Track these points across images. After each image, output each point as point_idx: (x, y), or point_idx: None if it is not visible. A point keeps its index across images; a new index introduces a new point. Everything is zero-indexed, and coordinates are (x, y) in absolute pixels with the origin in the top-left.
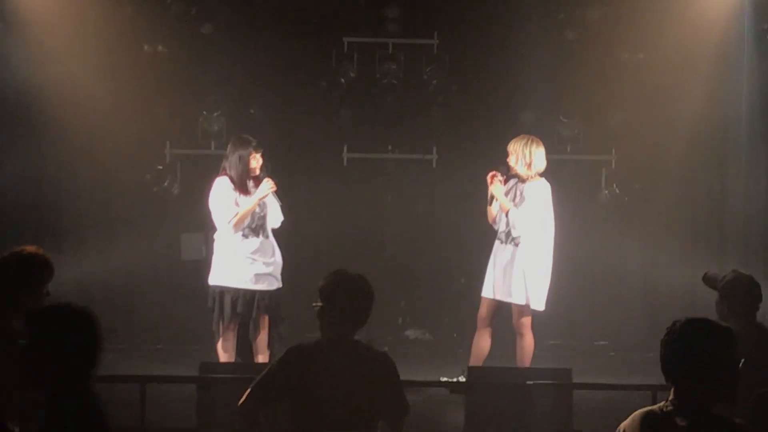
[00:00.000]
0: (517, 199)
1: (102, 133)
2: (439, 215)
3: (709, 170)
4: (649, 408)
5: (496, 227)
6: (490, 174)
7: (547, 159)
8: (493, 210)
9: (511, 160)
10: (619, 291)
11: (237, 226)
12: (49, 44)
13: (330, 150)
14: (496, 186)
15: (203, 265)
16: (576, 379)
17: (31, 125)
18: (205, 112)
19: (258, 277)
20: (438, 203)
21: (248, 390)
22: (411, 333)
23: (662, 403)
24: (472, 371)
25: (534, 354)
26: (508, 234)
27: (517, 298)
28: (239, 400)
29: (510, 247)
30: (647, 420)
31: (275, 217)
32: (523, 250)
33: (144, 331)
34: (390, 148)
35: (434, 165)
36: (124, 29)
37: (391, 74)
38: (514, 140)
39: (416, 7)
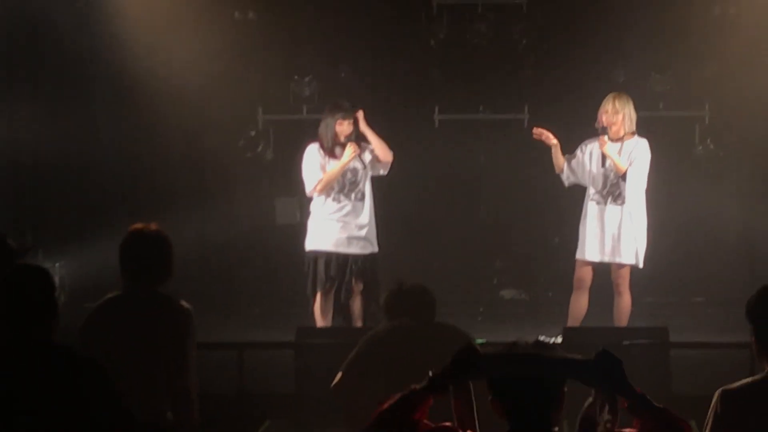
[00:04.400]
0: (623, 160)
1: (195, 100)
2: (531, 174)
3: None
4: (749, 379)
5: (567, 181)
6: (602, 146)
7: (640, 116)
8: (561, 162)
9: (616, 119)
10: (716, 247)
11: (322, 192)
12: (142, 15)
13: (421, 112)
14: (609, 146)
15: (298, 229)
16: (673, 338)
17: (126, 94)
18: (296, 77)
19: (350, 240)
20: (530, 162)
21: (340, 372)
22: (506, 293)
23: (759, 375)
24: (567, 332)
25: (630, 312)
26: (607, 195)
27: (627, 258)
28: (337, 364)
29: (614, 207)
30: (748, 390)
31: (377, 168)
32: (630, 209)
33: (241, 296)
34: (481, 108)
35: (526, 124)
36: None
37: (481, 34)
38: (617, 99)
39: None
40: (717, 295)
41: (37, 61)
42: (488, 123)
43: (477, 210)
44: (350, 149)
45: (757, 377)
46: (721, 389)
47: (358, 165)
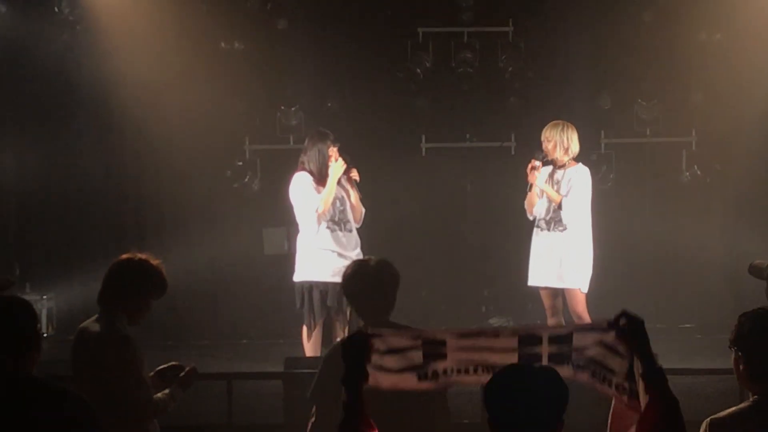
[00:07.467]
0: (563, 187)
1: (181, 131)
2: (518, 202)
3: None
4: (736, 408)
5: (531, 216)
6: (530, 166)
7: (628, 143)
8: (535, 199)
9: (548, 147)
10: (702, 273)
11: (324, 213)
12: (128, 45)
13: (408, 141)
14: (540, 177)
15: (286, 259)
16: (662, 364)
17: (111, 125)
18: (282, 107)
19: None
20: (518, 190)
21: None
22: (495, 321)
23: (746, 403)
24: None
25: None
26: (550, 221)
27: (568, 283)
28: None
29: (554, 233)
30: (736, 418)
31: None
32: (570, 236)
33: (228, 326)
34: (468, 136)
35: (513, 152)
36: (201, 27)
37: (467, 63)
38: (548, 127)
39: None
40: (706, 321)
41: (21, 92)
42: (475, 151)
43: (464, 238)
44: (338, 162)
45: (744, 405)
46: (709, 419)
47: (344, 194)
